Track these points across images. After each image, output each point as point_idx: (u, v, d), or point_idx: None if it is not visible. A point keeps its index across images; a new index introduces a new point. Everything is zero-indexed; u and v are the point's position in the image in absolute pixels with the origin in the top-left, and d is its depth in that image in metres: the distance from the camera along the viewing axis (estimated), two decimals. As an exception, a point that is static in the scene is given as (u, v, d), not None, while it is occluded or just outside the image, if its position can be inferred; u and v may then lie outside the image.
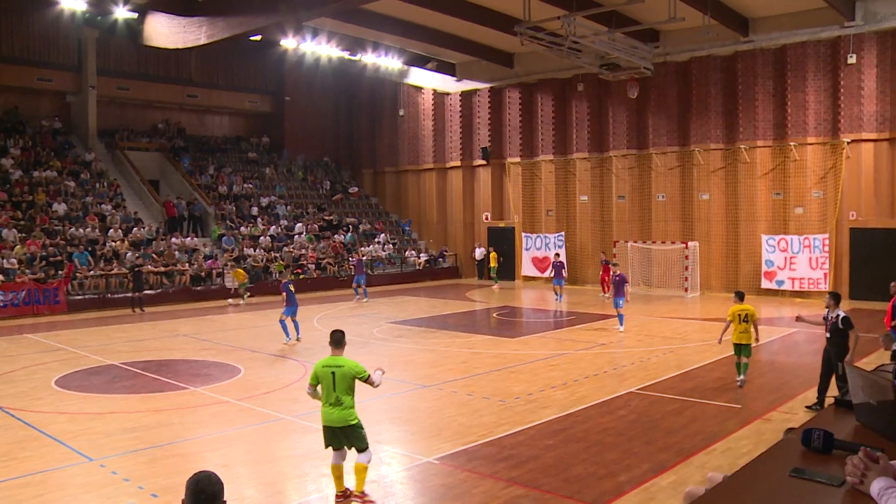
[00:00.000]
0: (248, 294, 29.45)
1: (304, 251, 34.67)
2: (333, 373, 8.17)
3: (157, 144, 38.25)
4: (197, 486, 3.78)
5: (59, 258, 27.73)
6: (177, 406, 13.09)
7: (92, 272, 27.98)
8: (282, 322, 19.41)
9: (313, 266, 33.91)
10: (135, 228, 31.48)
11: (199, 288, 30.28)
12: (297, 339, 19.38)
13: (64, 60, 35.52)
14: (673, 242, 31.03)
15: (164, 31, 30.37)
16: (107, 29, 32.86)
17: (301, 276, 32.81)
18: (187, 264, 30.64)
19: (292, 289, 19.30)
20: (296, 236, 36.01)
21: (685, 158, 31.25)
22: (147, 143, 38.18)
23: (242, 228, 34.77)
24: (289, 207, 38.38)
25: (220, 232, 33.84)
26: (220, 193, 36.83)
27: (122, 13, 29.63)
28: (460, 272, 39.30)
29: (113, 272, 28.45)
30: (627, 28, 26.71)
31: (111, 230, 30.65)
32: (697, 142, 30.74)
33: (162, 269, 29.71)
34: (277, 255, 33.59)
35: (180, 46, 29.98)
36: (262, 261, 32.65)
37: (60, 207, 30.82)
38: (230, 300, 29.15)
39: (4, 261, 26.54)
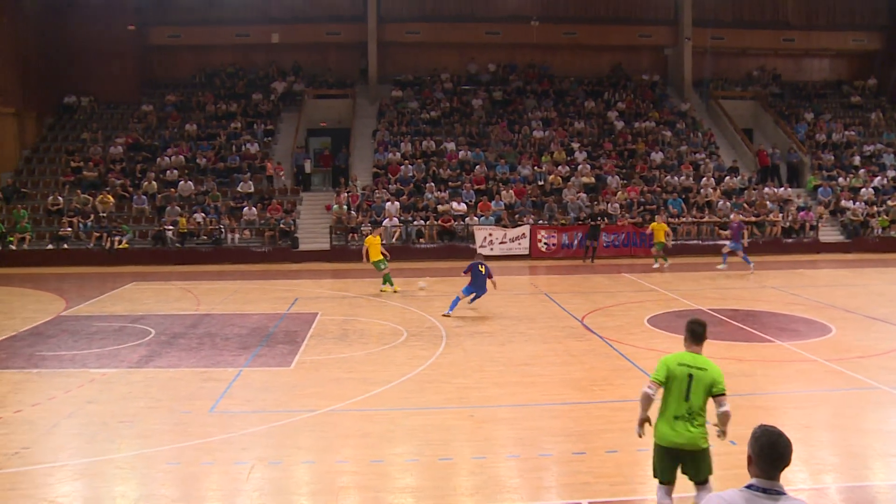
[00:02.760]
0: (664, 258, 24.83)
1: (911, 205, 30.94)
2: (691, 375, 6.19)
3: (751, 92, 37.68)
4: (774, 449, 3.63)
5: (653, 206, 29.29)
6: (761, 358, 12.87)
7: (685, 219, 28.98)
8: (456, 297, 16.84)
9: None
10: (727, 177, 31.58)
11: (790, 240, 29.22)
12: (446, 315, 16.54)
13: (661, 16, 37.31)
14: None
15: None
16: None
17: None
18: (780, 215, 29.74)
19: (481, 270, 16.69)
20: (903, 188, 32.29)
21: None
22: (740, 91, 37.87)
23: (841, 179, 32.38)
24: (897, 156, 34.52)
25: (816, 182, 32.00)
26: (818, 142, 34.75)
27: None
28: None
29: (704, 220, 29.06)
30: None
31: (704, 178, 31.24)
32: None
33: (753, 219, 29.32)
34: (880, 209, 30.57)
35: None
36: (861, 215, 30.06)
37: (657, 156, 32.48)
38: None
39: (608, 205, 29.08)
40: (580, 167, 31.36)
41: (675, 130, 34.55)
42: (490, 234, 27.76)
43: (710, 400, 6.30)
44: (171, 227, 27.82)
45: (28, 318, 16.84)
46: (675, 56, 37.52)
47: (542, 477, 8.04)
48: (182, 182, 29.93)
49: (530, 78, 37.26)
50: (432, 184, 30.12)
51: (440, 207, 28.95)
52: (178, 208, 28.59)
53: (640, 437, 6.61)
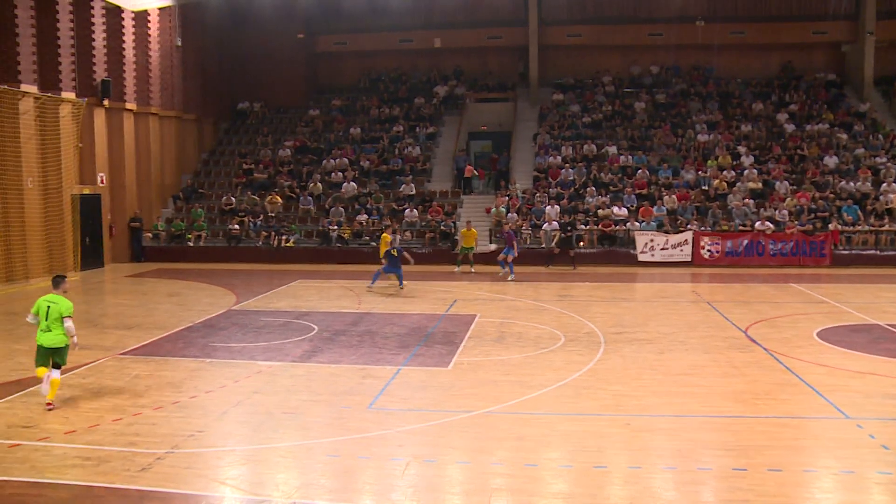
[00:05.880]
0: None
1: None
2: (49, 307, 10.32)
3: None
4: None
5: (825, 213, 27.72)
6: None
7: (860, 227, 27.25)
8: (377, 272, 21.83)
9: None
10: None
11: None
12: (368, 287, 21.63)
13: (839, 10, 34.92)
14: None
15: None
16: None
17: None
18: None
19: (394, 254, 21.63)
20: None
21: None
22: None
23: None
24: None
25: None
26: None
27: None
28: None
29: (884, 228, 27.20)
30: None
31: (884, 184, 29.22)
32: None
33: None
34: None
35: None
36: None
37: (831, 160, 30.67)
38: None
39: (776, 212, 27.78)
40: (746, 172, 30.12)
41: (852, 133, 32.49)
42: (651, 240, 27.16)
43: None
44: (335, 228, 28.94)
45: (202, 311, 18.05)
46: (855, 52, 35.28)
47: (700, 491, 7.81)
48: (346, 184, 31.08)
49: (694, 80, 36.19)
50: (593, 188, 29.81)
51: (601, 212, 28.61)
52: (342, 209, 29.71)
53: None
